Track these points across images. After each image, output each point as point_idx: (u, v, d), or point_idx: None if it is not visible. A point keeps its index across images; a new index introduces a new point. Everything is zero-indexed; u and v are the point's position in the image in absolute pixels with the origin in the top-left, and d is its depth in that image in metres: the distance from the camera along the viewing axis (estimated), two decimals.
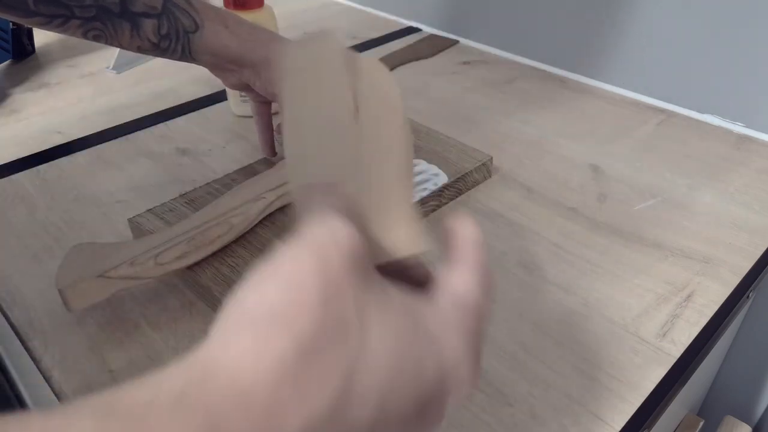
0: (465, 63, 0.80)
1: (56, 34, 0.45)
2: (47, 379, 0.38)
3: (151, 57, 0.57)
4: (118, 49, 0.75)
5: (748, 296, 0.45)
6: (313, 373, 0.16)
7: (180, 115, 0.68)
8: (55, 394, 0.37)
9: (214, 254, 0.44)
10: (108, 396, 0.15)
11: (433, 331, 0.20)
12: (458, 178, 0.53)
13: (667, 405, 0.37)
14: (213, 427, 0.15)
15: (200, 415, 0.15)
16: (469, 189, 0.54)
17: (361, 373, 0.17)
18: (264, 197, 0.47)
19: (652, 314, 0.42)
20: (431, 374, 0.19)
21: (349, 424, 0.17)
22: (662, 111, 0.68)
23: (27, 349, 0.40)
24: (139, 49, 0.47)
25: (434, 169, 0.53)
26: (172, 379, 0.16)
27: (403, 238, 0.23)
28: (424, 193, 0.50)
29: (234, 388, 0.16)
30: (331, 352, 0.17)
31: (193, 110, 0.69)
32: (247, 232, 0.46)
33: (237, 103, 0.67)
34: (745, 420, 0.66)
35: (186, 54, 0.48)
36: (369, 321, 0.18)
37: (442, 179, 0.52)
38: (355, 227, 0.19)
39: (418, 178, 0.52)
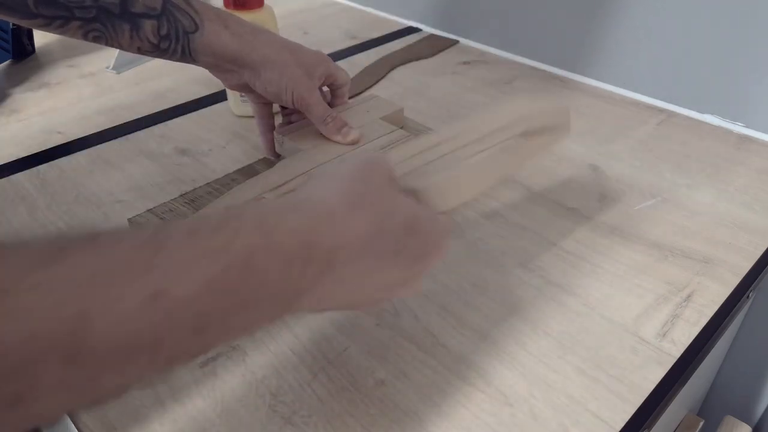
0: (465, 63, 0.80)
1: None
2: None
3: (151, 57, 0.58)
4: (118, 50, 0.75)
5: (748, 296, 0.45)
6: (361, 216, 0.28)
7: (180, 115, 0.68)
8: None
9: None
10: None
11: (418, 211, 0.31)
12: None
13: (667, 405, 0.37)
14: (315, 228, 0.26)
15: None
16: None
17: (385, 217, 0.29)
18: (264, 197, 0.47)
19: (652, 314, 0.42)
20: (417, 243, 0.31)
21: (369, 251, 0.28)
22: (662, 111, 0.68)
23: None
24: (140, 51, 0.47)
25: None
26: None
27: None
28: None
29: (324, 210, 0.27)
30: (373, 202, 0.29)
31: (193, 110, 0.69)
32: None
33: (237, 103, 0.67)
34: (745, 420, 0.66)
35: (186, 55, 0.48)
36: (388, 197, 0.30)
37: None
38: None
39: None
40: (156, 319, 0.20)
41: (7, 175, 0.59)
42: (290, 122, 0.56)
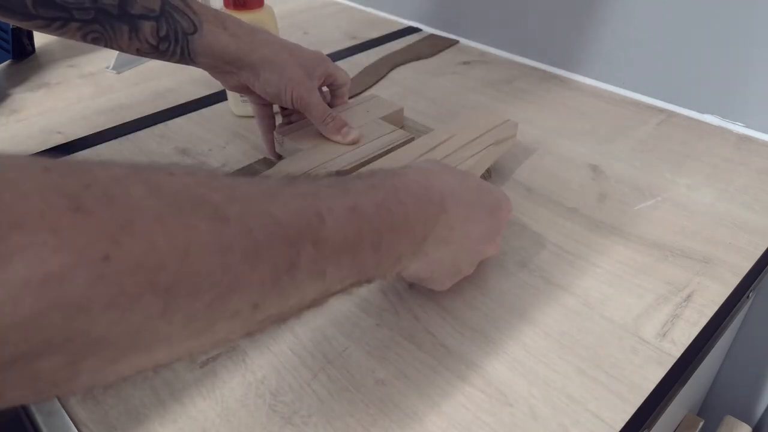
0: (465, 63, 0.80)
1: None
2: None
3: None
4: None
5: (748, 296, 0.45)
6: (449, 176, 0.38)
7: (180, 115, 0.68)
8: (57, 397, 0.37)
9: None
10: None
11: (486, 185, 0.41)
12: None
13: (667, 405, 0.37)
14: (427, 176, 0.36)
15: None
16: None
17: (462, 188, 0.38)
18: None
19: (652, 314, 0.42)
20: (490, 197, 0.40)
21: (462, 200, 0.37)
22: (662, 111, 0.68)
23: None
24: (138, 52, 0.47)
25: None
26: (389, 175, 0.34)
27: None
28: None
29: (422, 174, 0.36)
30: (455, 178, 0.38)
31: (193, 110, 0.69)
32: None
33: (237, 103, 0.67)
34: (745, 420, 0.66)
35: (185, 56, 0.48)
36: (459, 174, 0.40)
37: None
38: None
39: None
40: (355, 226, 0.29)
41: None
42: (290, 122, 0.56)
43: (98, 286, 0.18)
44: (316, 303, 0.29)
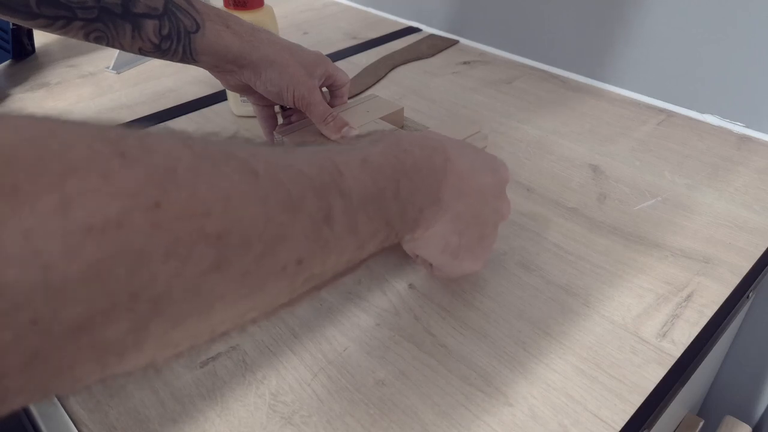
0: (465, 63, 0.80)
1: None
2: None
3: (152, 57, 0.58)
4: (118, 50, 0.75)
5: (748, 296, 0.45)
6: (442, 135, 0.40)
7: (180, 115, 0.68)
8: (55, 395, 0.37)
9: None
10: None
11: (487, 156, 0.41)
12: None
13: (667, 405, 0.37)
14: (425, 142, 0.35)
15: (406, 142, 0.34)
16: None
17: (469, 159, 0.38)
18: None
19: (652, 314, 0.42)
20: (487, 155, 0.41)
21: (463, 152, 0.38)
22: (662, 111, 0.68)
23: None
24: (141, 51, 0.47)
25: None
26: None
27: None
28: None
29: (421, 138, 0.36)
30: (463, 150, 0.38)
31: (193, 110, 0.69)
32: None
33: (237, 104, 0.67)
34: (745, 420, 0.66)
35: (187, 55, 0.48)
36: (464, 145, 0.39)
37: None
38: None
39: None
40: (370, 176, 0.29)
41: None
42: (290, 122, 0.56)
43: (154, 233, 0.18)
44: (351, 264, 0.29)
